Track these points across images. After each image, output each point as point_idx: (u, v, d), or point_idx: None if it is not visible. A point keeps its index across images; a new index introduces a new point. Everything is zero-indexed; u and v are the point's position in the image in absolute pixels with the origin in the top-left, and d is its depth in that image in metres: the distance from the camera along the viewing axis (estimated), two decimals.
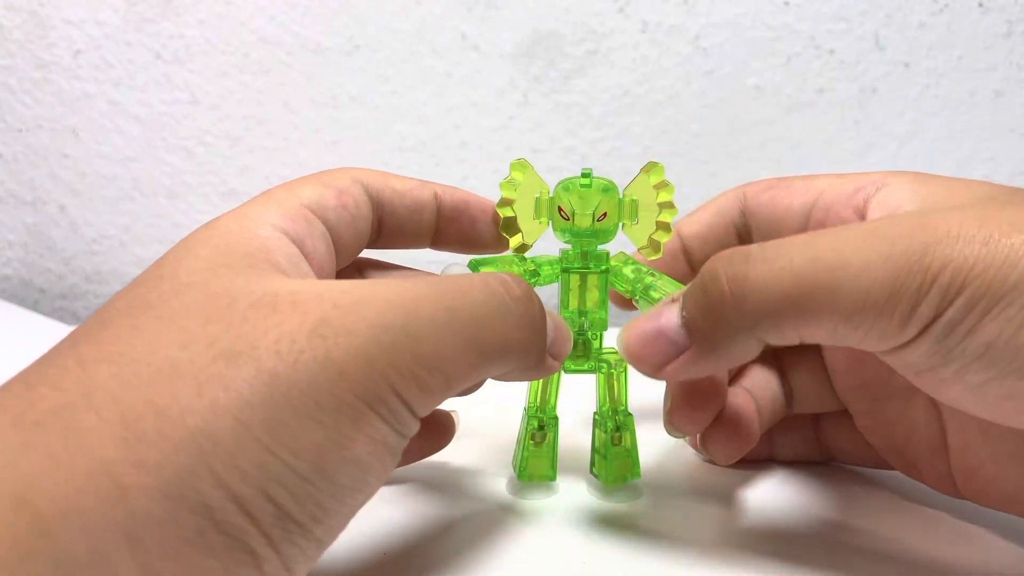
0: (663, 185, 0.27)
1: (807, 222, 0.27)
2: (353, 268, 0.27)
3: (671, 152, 0.55)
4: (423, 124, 0.54)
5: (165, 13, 0.52)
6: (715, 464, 0.30)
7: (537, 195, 0.27)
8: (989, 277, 0.19)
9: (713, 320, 0.21)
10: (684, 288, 0.26)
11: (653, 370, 0.23)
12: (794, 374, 0.30)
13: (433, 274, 0.24)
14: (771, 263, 0.21)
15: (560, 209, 0.26)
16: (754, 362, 0.30)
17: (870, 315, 0.20)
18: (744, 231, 0.29)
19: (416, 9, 0.53)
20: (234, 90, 0.53)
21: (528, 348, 0.21)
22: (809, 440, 0.31)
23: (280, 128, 0.54)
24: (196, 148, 0.54)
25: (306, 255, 0.22)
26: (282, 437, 0.16)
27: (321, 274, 0.23)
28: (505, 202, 0.27)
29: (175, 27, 0.52)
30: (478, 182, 0.55)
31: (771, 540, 0.26)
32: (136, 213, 0.55)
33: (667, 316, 0.23)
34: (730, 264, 0.21)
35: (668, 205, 0.27)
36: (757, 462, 0.31)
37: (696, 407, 0.26)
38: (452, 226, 0.27)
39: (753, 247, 0.21)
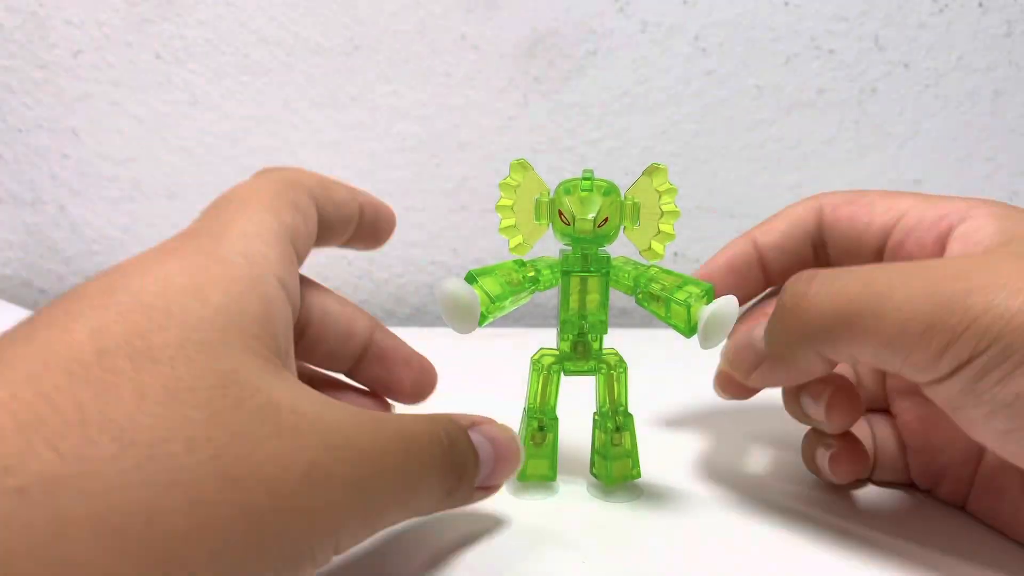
0: (665, 188, 0.26)
1: (885, 242, 0.27)
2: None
3: (671, 152, 0.55)
4: (423, 124, 0.54)
5: (165, 14, 0.52)
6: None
7: (537, 196, 0.27)
8: None
9: (779, 332, 0.24)
10: (685, 283, 0.26)
11: (743, 375, 0.26)
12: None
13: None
14: (829, 284, 0.23)
15: (560, 213, 0.26)
16: None
17: (907, 344, 0.21)
18: (820, 243, 0.30)
19: (416, 9, 0.52)
20: (234, 90, 0.53)
21: (451, 491, 0.23)
22: None
23: (280, 128, 0.54)
24: (196, 148, 0.54)
25: (288, 296, 0.22)
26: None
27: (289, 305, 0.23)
28: (504, 204, 0.27)
29: (175, 27, 0.52)
30: (478, 182, 0.55)
31: (772, 541, 0.26)
32: (136, 213, 0.55)
33: (757, 329, 0.26)
34: (796, 282, 0.24)
35: (670, 208, 0.27)
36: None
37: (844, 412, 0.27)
38: (366, 231, 0.29)
39: (821, 270, 0.23)
